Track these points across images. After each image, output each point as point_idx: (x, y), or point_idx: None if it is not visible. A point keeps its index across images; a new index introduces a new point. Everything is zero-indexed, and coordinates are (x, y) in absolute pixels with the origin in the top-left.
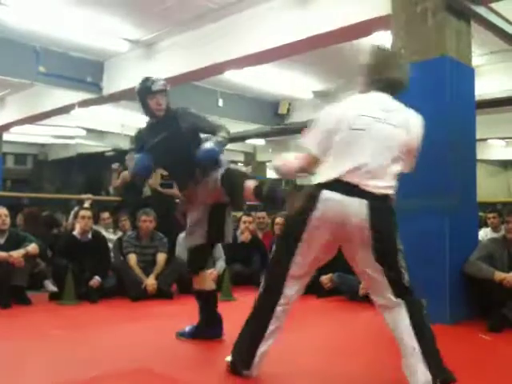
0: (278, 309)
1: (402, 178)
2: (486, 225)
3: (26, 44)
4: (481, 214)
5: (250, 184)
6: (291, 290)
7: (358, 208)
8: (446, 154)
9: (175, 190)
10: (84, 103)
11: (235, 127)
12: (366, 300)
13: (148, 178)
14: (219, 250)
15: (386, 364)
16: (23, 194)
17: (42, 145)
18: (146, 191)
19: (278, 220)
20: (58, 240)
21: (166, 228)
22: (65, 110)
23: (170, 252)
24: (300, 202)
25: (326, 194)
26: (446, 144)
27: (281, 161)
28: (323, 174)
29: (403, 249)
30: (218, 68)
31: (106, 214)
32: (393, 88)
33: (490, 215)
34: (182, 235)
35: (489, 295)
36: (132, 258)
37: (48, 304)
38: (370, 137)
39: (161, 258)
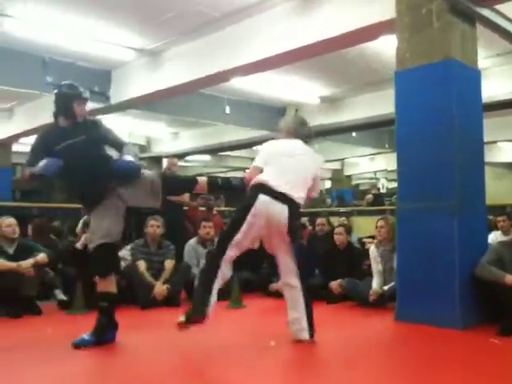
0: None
1: (411, 180)
2: (496, 228)
3: (33, 55)
4: (490, 217)
5: (203, 179)
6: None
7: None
8: (453, 156)
9: (184, 198)
10: (91, 113)
11: (242, 134)
12: (377, 305)
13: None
14: None
15: (397, 371)
16: (32, 204)
17: None
18: None
19: None
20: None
21: (174, 235)
22: None
23: (177, 260)
24: None
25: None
26: (454, 147)
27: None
28: None
29: None
30: (223, 75)
31: None
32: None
33: (500, 218)
34: (190, 242)
35: (500, 299)
36: (141, 265)
37: (58, 313)
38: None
39: (169, 264)
